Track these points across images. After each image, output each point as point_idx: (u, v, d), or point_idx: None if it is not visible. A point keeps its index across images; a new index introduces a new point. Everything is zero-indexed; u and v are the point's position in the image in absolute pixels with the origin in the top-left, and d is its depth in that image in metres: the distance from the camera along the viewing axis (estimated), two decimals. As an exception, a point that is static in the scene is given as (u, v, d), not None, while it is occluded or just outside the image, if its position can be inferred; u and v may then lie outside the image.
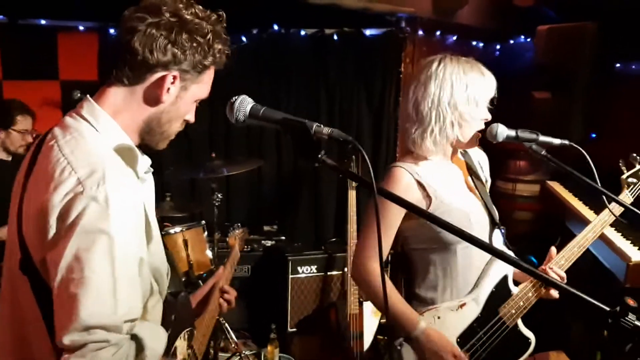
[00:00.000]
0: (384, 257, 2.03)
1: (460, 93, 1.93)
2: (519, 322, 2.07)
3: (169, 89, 1.39)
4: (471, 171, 2.16)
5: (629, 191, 2.13)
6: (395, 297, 1.98)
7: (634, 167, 2.16)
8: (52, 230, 1.25)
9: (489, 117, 1.99)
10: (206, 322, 1.92)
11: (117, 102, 1.41)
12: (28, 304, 1.33)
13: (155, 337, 1.37)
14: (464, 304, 2.01)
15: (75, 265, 1.21)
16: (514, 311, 2.03)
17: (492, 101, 2.00)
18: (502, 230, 2.17)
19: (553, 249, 2.12)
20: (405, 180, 1.97)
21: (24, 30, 4.02)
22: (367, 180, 1.13)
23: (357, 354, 3.63)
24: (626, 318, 1.02)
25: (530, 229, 4.60)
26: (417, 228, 2.00)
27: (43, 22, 4.06)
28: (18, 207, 1.36)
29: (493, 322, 2.02)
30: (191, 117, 1.50)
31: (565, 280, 2.08)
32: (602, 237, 3.08)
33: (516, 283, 2.09)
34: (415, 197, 1.97)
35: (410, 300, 2.07)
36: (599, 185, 1.82)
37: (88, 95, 1.43)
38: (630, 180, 2.14)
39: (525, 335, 2.08)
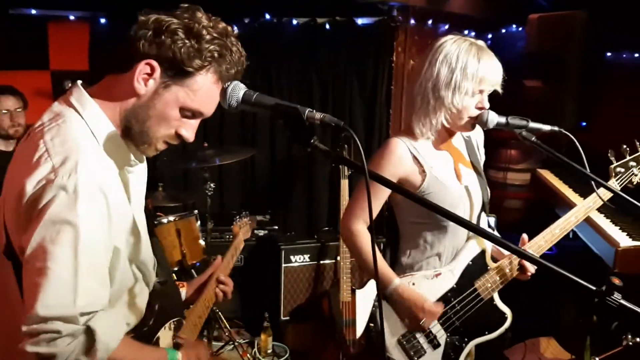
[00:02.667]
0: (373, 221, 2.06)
1: (444, 79, 1.93)
2: (496, 296, 2.14)
3: (145, 79, 1.36)
4: (470, 152, 2.19)
5: (616, 179, 2.17)
6: (377, 257, 2.04)
7: (624, 158, 2.19)
8: (24, 216, 1.27)
9: (485, 105, 1.98)
10: (198, 311, 1.90)
11: (108, 91, 1.41)
12: (12, 289, 1.35)
13: (110, 331, 1.36)
14: (439, 274, 2.09)
15: (39, 254, 1.23)
16: (489, 285, 2.09)
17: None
18: (493, 218, 2.22)
19: (524, 236, 2.15)
20: (399, 151, 2.02)
21: (14, 19, 3.98)
22: (358, 164, 1.14)
23: (349, 341, 3.65)
24: (612, 297, 1.04)
25: (521, 217, 4.64)
26: (410, 201, 2.01)
27: (33, 11, 4.02)
28: (4, 192, 1.37)
29: (467, 293, 2.09)
30: (186, 133, 1.43)
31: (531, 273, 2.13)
32: (592, 223, 3.12)
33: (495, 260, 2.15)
34: (408, 168, 2.02)
35: (393, 266, 2.15)
36: (588, 170, 1.84)
37: (79, 82, 1.43)
38: (618, 169, 2.18)
39: (501, 310, 2.14)
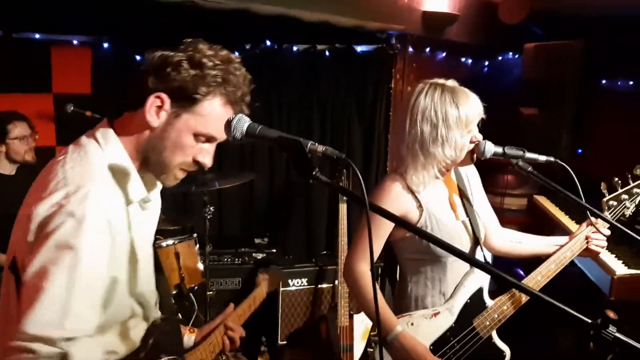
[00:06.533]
0: (374, 262, 2.05)
1: (429, 136, 1.97)
2: (494, 334, 2.12)
3: (156, 111, 1.43)
4: (458, 188, 2.21)
5: (610, 213, 2.18)
6: (379, 300, 2.01)
7: (616, 190, 2.20)
8: (31, 237, 1.30)
9: (479, 137, 2.02)
10: (201, 355, 1.87)
11: (126, 127, 1.48)
12: (14, 303, 1.37)
13: (88, 358, 1.32)
14: (437, 313, 2.07)
15: (38, 273, 1.26)
16: (488, 323, 2.07)
17: (481, 120, 2.03)
18: (490, 254, 2.23)
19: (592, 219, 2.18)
20: (397, 189, 2.04)
21: (18, 43, 4.02)
22: (359, 196, 1.17)
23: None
24: (607, 330, 1.06)
25: (518, 243, 4.65)
26: (410, 238, 2.06)
27: (37, 35, 4.07)
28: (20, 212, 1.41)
29: (466, 332, 2.07)
30: (203, 159, 1.50)
31: (605, 244, 2.22)
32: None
33: (494, 296, 2.14)
34: (407, 205, 2.04)
35: (398, 302, 2.14)
36: (583, 200, 1.87)
37: (106, 119, 1.51)
38: (610, 203, 2.20)
39: (499, 348, 2.13)
